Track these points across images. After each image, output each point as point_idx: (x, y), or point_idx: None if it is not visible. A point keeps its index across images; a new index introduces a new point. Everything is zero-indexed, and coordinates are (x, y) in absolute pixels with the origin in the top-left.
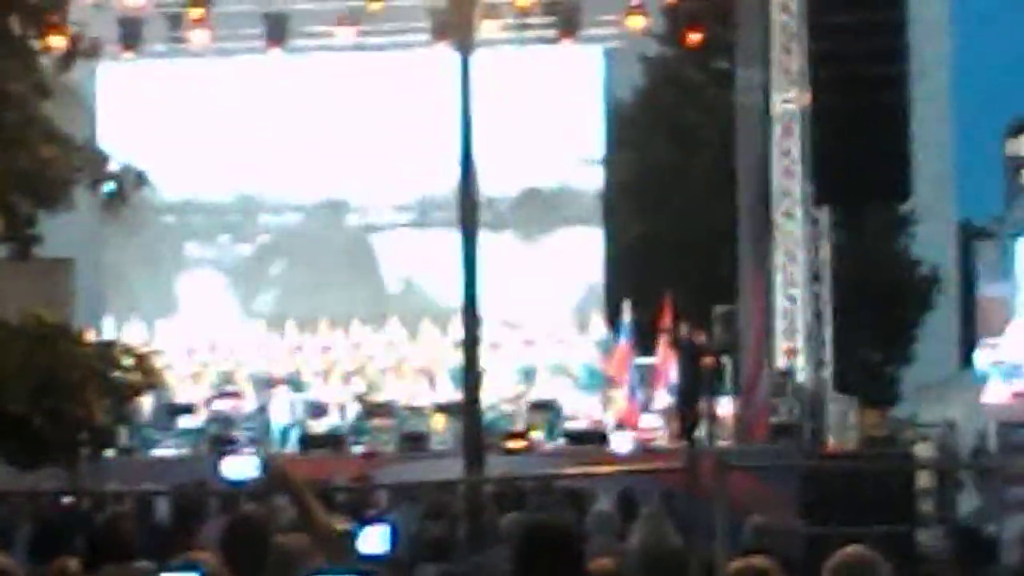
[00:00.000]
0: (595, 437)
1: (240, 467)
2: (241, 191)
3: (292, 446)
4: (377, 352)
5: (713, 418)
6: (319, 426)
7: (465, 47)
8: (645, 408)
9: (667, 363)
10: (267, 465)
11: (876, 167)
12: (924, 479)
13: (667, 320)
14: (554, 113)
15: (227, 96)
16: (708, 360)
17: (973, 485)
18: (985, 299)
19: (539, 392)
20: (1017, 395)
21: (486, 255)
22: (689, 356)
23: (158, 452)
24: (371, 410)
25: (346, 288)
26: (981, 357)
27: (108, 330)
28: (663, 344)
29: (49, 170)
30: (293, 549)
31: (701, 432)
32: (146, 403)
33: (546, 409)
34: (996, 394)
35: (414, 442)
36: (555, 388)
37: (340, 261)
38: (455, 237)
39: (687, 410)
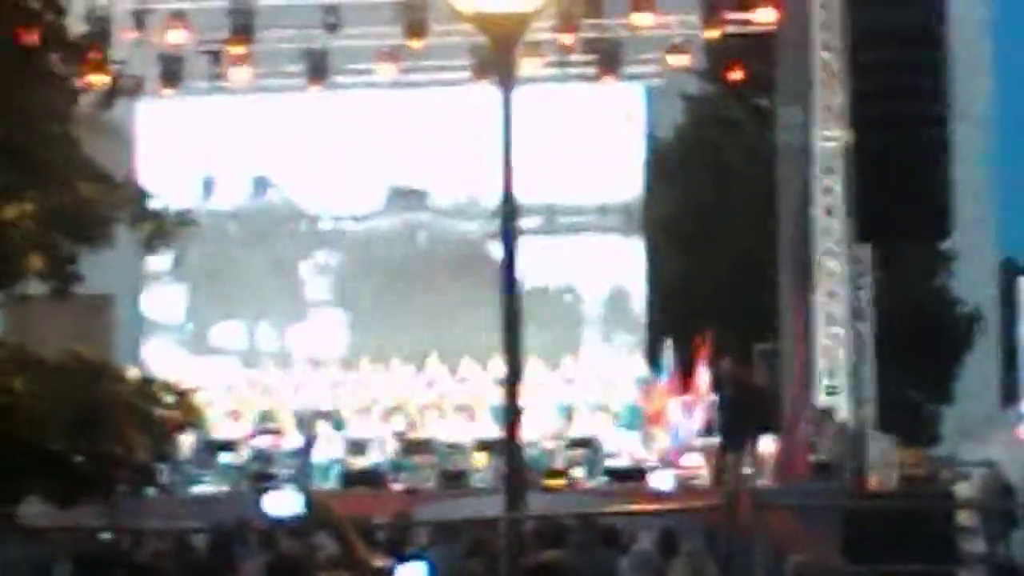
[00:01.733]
0: (635, 475)
1: (282, 504)
2: (282, 226)
3: (332, 483)
4: (417, 389)
5: (756, 456)
6: (359, 463)
7: (507, 85)
8: (687, 446)
9: (708, 400)
10: (310, 502)
11: (916, 205)
12: (965, 518)
13: (707, 357)
14: (596, 150)
15: (267, 133)
16: (758, 397)
17: None
18: None
19: (579, 429)
20: None
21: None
22: (737, 392)
23: (198, 489)
24: (411, 447)
25: (385, 326)
26: None
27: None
28: (701, 380)
29: (89, 208)
30: None
31: (745, 470)
32: (187, 440)
33: (586, 446)
34: None
35: (454, 479)
36: (595, 426)
37: (377, 299)
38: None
39: (733, 447)
